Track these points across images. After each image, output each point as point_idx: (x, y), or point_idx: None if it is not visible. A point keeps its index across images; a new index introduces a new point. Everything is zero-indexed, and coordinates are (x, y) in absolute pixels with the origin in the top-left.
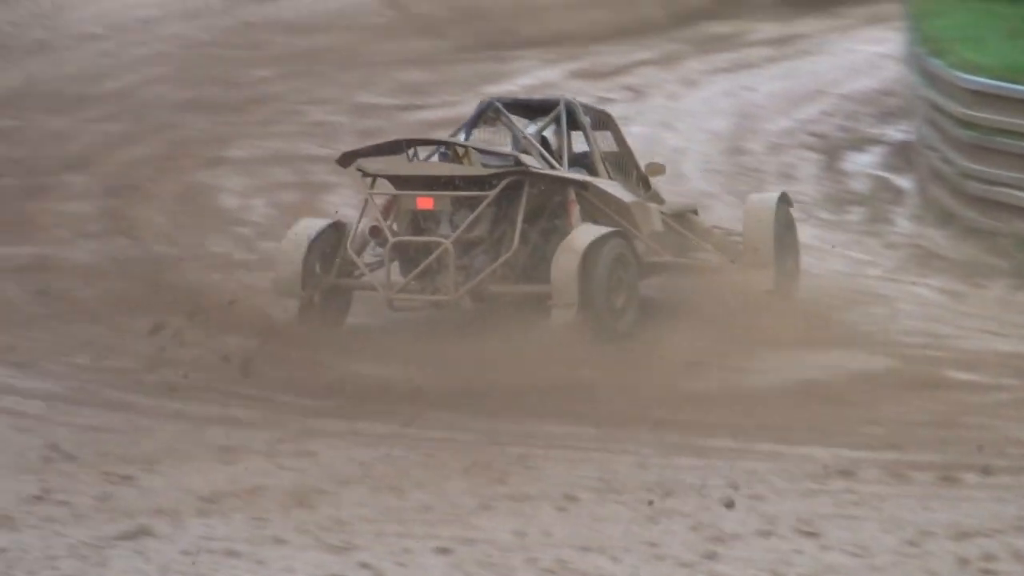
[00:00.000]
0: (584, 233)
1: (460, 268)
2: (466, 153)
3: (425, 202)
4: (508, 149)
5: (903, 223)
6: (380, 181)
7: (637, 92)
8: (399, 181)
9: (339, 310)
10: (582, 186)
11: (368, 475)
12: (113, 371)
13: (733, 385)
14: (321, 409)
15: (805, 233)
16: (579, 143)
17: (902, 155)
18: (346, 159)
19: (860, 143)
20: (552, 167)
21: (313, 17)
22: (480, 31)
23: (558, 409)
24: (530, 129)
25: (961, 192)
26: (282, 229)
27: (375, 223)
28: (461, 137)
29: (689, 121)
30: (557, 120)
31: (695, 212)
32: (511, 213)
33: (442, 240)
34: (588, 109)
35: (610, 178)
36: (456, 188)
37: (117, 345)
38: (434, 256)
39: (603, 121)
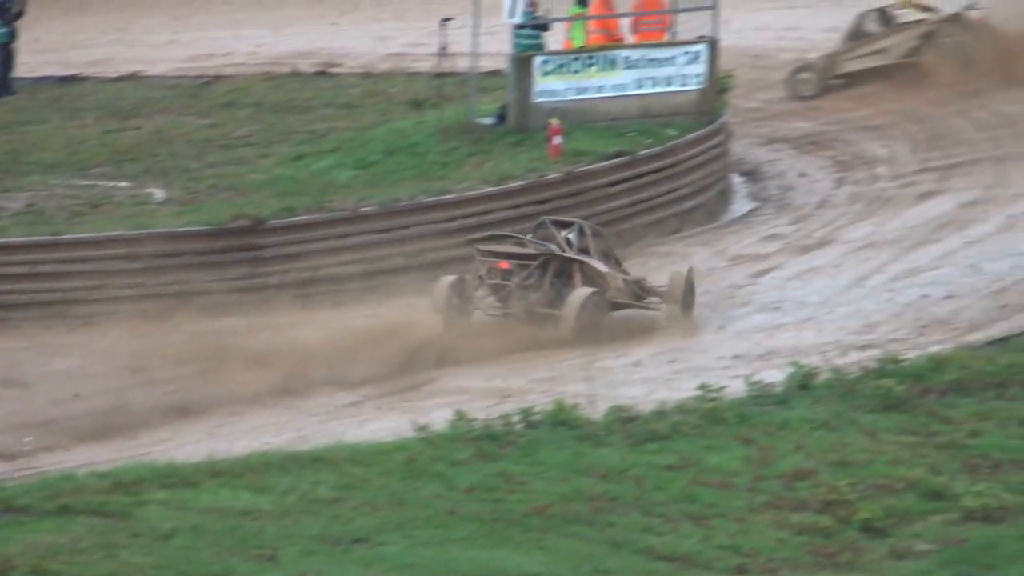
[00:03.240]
0: (583, 288)
1: (521, 298)
2: (523, 242)
3: (504, 264)
4: (545, 244)
5: None
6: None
7: None
8: (499, 254)
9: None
10: (582, 263)
11: None
12: None
13: None
14: None
15: None
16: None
17: None
18: (470, 242)
19: None
20: (565, 252)
21: None
22: None
23: None
24: (570, 235)
25: None
26: None
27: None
28: (529, 235)
29: None
30: (580, 231)
31: (645, 279)
32: (545, 272)
33: (509, 283)
34: (593, 228)
35: (598, 259)
36: (520, 258)
37: None
38: (506, 291)
39: (598, 233)
